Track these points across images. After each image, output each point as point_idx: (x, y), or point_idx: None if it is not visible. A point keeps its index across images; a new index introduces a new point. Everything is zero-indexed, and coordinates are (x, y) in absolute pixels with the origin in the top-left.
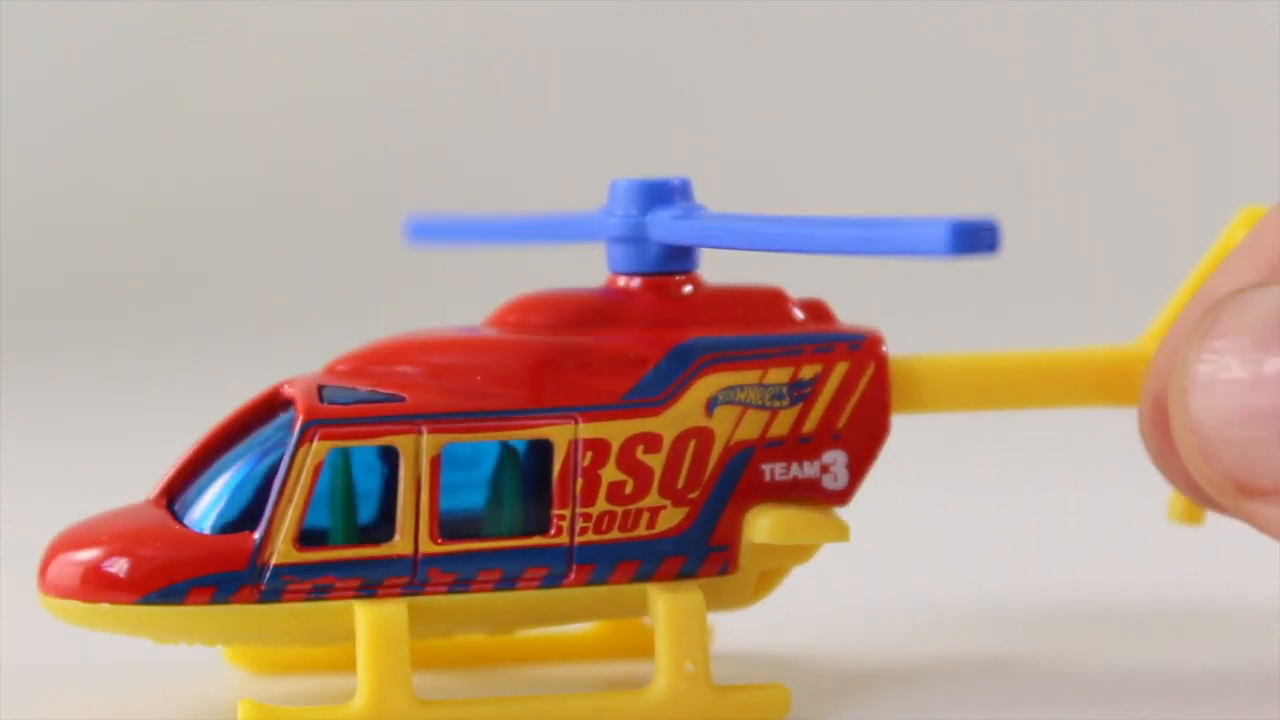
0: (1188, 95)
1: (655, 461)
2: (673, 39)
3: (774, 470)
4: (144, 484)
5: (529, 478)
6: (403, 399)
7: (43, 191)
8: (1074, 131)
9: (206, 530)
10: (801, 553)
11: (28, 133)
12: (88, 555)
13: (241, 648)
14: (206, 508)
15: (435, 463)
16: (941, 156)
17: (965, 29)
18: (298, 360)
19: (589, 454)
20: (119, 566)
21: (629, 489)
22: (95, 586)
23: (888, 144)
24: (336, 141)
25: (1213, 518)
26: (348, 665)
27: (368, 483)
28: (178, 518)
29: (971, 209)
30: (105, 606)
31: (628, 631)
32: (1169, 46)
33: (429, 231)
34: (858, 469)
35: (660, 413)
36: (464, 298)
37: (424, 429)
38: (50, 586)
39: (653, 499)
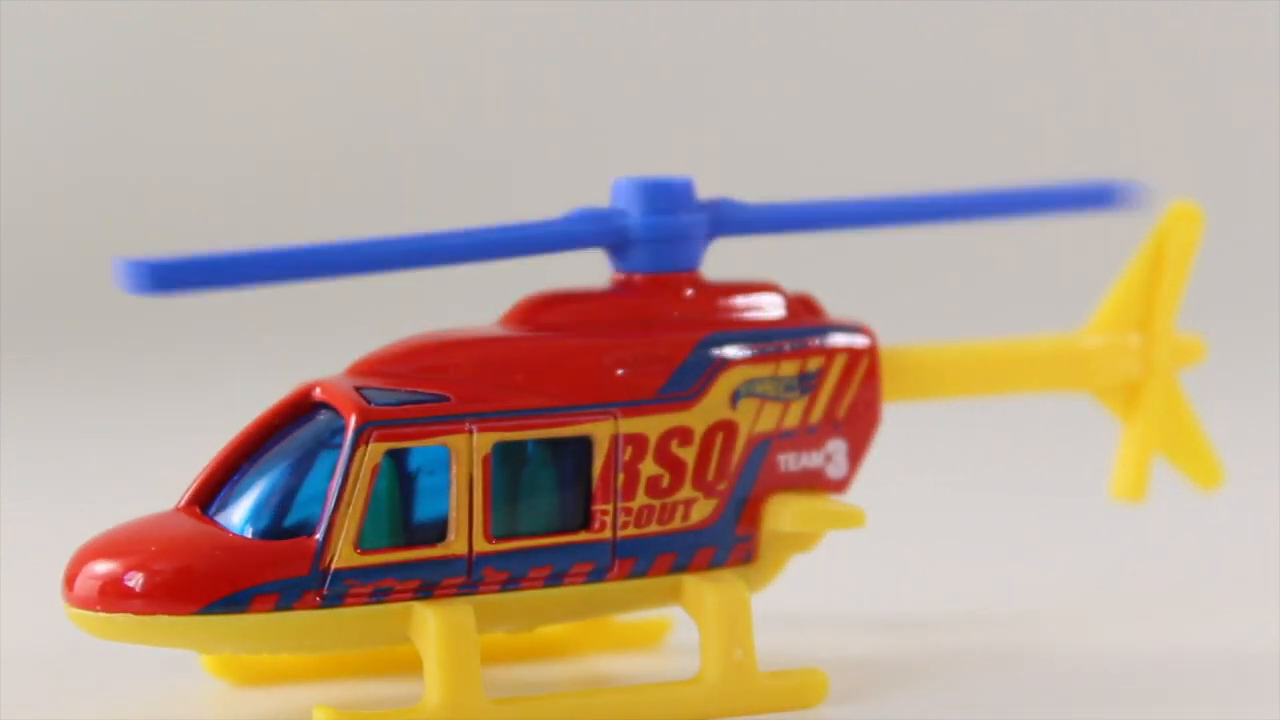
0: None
1: (688, 455)
2: (671, 39)
3: (787, 460)
4: (144, 485)
5: (573, 474)
6: (448, 399)
7: (43, 191)
8: (1071, 128)
9: (250, 536)
10: (807, 541)
11: (28, 133)
12: (136, 565)
13: (223, 658)
14: (249, 513)
15: (486, 461)
16: (938, 150)
17: (968, 27)
18: (296, 361)
19: (629, 449)
20: (177, 576)
21: (665, 482)
22: (149, 599)
23: (886, 142)
24: (336, 142)
25: (1210, 508)
26: (329, 673)
27: (421, 483)
28: (215, 524)
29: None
30: (163, 619)
31: (590, 629)
32: (1130, 49)
33: None
34: (856, 457)
35: (691, 406)
36: (461, 297)
37: (474, 428)
38: (89, 600)
39: (686, 491)
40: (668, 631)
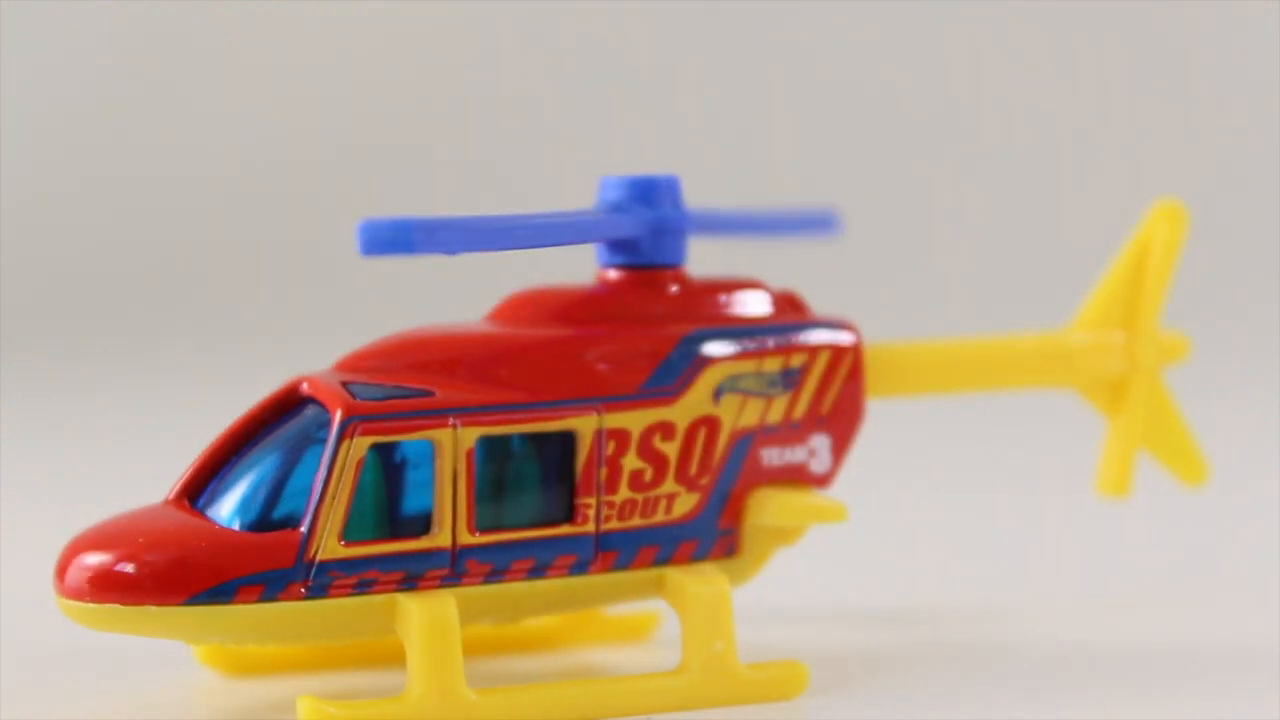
0: (1128, 92)
1: (671, 449)
2: (664, 38)
3: (770, 455)
4: (135, 478)
5: (557, 468)
6: (432, 394)
7: (42, 191)
8: (1064, 127)
9: (238, 528)
10: (790, 535)
11: (28, 133)
12: (125, 556)
13: (214, 648)
14: (237, 506)
15: (470, 455)
16: (915, 152)
17: (958, 28)
18: (285, 356)
19: (612, 443)
20: (165, 567)
21: (648, 476)
22: (137, 589)
23: (872, 142)
24: (334, 142)
25: (1195, 504)
26: (321, 664)
27: (405, 477)
28: (204, 517)
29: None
30: (151, 609)
31: (579, 622)
32: (1103, 48)
33: None
34: (839, 452)
35: (674, 402)
36: (455, 296)
37: (457, 422)
38: (79, 591)
39: (669, 486)
40: (656, 625)
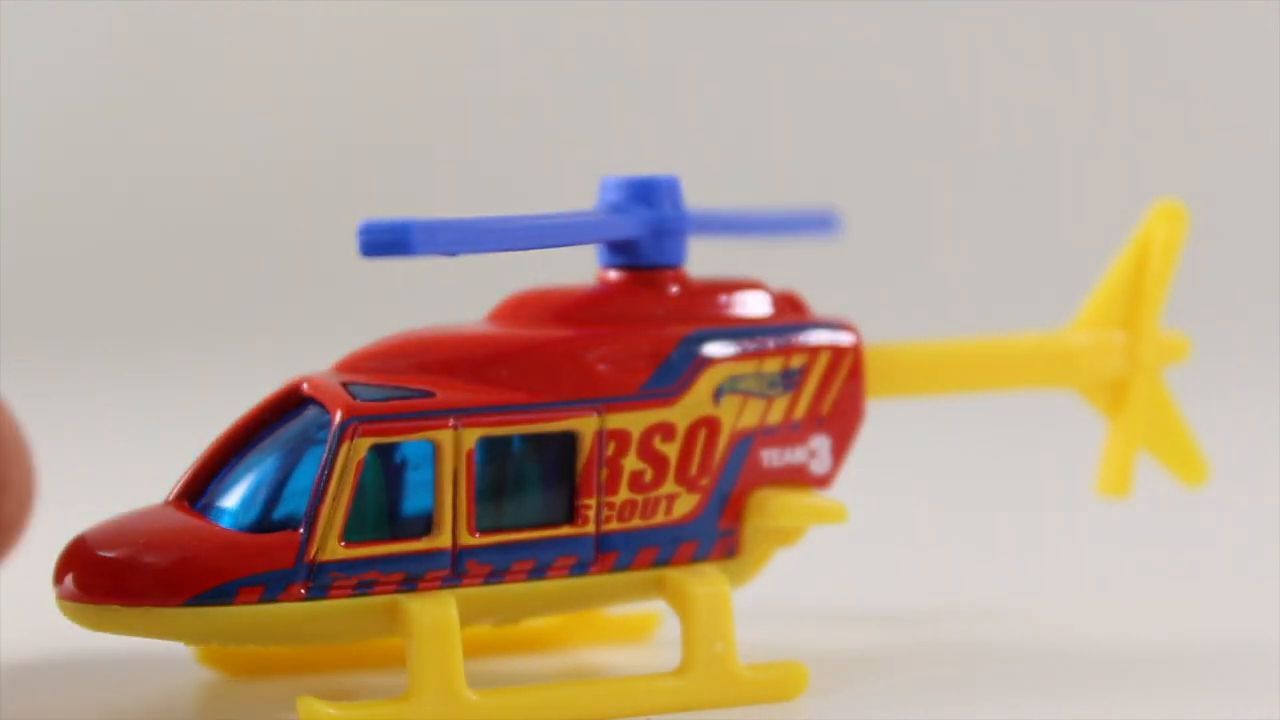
0: (1124, 92)
1: (671, 450)
2: (664, 38)
3: (770, 456)
4: (135, 479)
5: (557, 469)
6: (432, 394)
7: (42, 191)
8: (1039, 131)
9: (238, 529)
10: (790, 535)
11: (28, 133)
12: (125, 557)
13: (215, 648)
14: (237, 507)
15: (470, 456)
16: (910, 151)
17: (955, 28)
18: (285, 357)
19: (612, 444)
20: (165, 568)
21: (648, 477)
22: (137, 590)
23: (872, 142)
24: (334, 142)
25: (1194, 503)
26: (321, 664)
27: (405, 477)
28: (204, 518)
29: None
30: (150, 610)
31: (579, 622)
32: (1101, 47)
33: None
34: (840, 453)
35: (674, 403)
36: (455, 296)
37: (457, 423)
38: (77, 592)
39: (669, 486)
40: (656, 625)
